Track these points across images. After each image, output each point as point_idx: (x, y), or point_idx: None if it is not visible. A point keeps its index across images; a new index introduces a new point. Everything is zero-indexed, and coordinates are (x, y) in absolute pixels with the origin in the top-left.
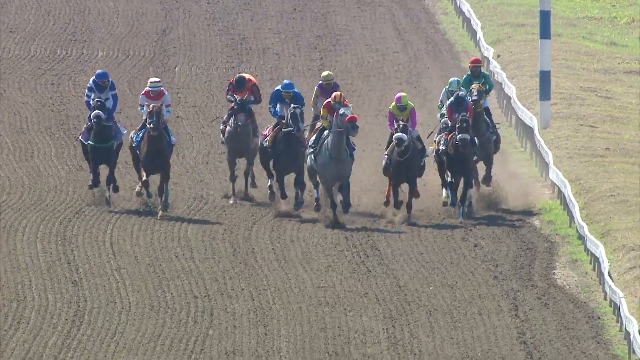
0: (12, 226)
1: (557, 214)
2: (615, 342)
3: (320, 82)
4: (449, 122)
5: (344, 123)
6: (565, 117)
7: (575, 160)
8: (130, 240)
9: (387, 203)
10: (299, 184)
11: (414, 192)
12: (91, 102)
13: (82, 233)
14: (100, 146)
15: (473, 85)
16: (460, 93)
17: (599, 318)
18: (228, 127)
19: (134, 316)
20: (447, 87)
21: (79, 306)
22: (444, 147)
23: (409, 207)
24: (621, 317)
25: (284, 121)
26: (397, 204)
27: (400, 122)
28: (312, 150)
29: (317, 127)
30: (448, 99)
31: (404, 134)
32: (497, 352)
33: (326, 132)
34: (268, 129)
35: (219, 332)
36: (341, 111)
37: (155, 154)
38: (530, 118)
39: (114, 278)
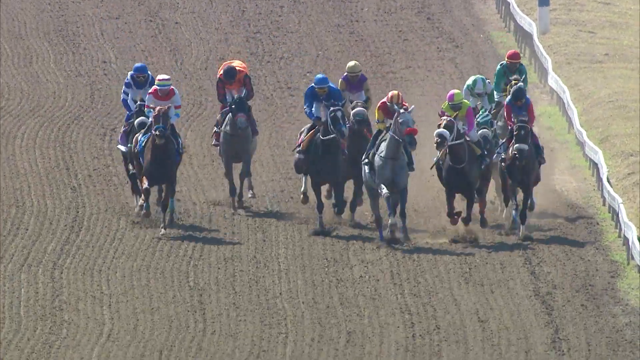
0: (10, 132)
1: (556, 120)
2: (614, 248)
3: (346, 73)
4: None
5: (402, 134)
6: (565, 23)
7: (574, 66)
8: None
9: (453, 221)
10: (339, 204)
11: (471, 207)
12: (128, 101)
13: (81, 139)
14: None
15: (513, 80)
16: (519, 85)
17: (597, 224)
18: (223, 131)
19: (132, 222)
20: (469, 84)
21: (78, 212)
22: (503, 155)
23: (466, 220)
24: (620, 223)
25: (321, 121)
26: (452, 215)
27: (446, 117)
28: (365, 157)
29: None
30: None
31: (446, 131)
32: (494, 257)
33: (382, 135)
34: (301, 135)
35: (217, 245)
36: (401, 119)
37: (161, 163)
38: (529, 24)
39: (112, 183)
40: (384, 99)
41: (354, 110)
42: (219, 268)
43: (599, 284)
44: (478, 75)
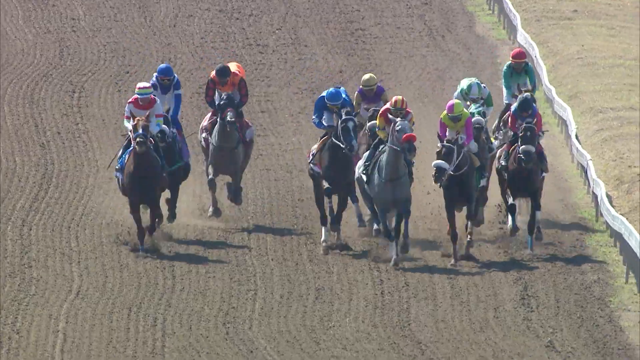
0: None
1: None
2: (583, 206)
3: (361, 87)
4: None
5: (400, 142)
6: None
7: (543, 22)
8: (98, 103)
9: (454, 237)
10: (339, 212)
11: (472, 217)
12: None
13: (50, 96)
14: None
15: (524, 91)
16: (526, 95)
17: (566, 181)
18: (211, 143)
19: (102, 179)
20: (462, 88)
21: (47, 169)
22: (504, 163)
23: (469, 243)
24: (588, 180)
25: (331, 128)
26: (454, 235)
27: (444, 144)
28: (364, 169)
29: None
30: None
31: (444, 162)
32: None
33: (382, 147)
34: (313, 148)
35: (186, 196)
36: (398, 126)
37: (143, 176)
38: None
39: (81, 141)
40: (387, 105)
41: (370, 123)
42: (187, 225)
43: (568, 241)
44: (473, 80)
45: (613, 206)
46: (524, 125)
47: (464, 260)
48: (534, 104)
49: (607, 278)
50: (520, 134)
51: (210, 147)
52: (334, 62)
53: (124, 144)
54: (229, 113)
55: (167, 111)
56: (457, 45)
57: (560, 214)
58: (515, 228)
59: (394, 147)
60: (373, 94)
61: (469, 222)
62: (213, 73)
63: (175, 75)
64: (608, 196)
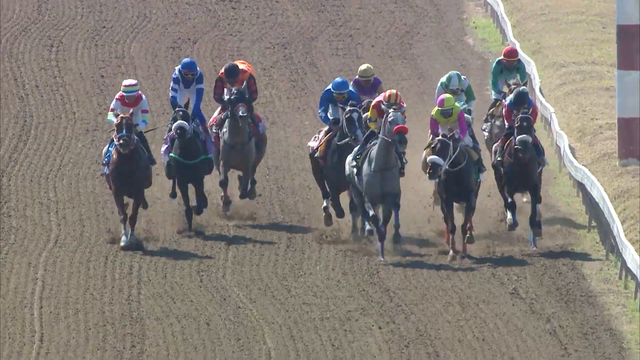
0: None
1: (490, 32)
2: (546, 157)
3: (357, 77)
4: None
5: (391, 133)
6: None
7: None
8: (76, 57)
9: (452, 230)
10: (354, 208)
11: (471, 213)
12: (178, 100)
13: (29, 51)
14: (186, 162)
15: (513, 83)
16: (522, 88)
17: None
18: (222, 139)
19: (79, 131)
20: (443, 80)
21: (26, 121)
22: (499, 158)
23: (469, 239)
24: (552, 132)
25: (337, 126)
26: (452, 228)
27: (438, 138)
28: (354, 162)
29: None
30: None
31: (439, 158)
32: None
33: (372, 140)
34: (317, 137)
35: (158, 148)
36: (390, 117)
37: (127, 175)
38: None
39: (59, 94)
40: (380, 97)
41: (363, 115)
42: (162, 176)
43: None
44: (453, 71)
45: (576, 157)
46: (520, 115)
47: (464, 257)
48: (530, 97)
49: (569, 227)
50: (517, 125)
51: (221, 142)
52: (304, 18)
53: (111, 139)
54: (240, 108)
55: (186, 105)
56: (425, 1)
57: None
58: (515, 224)
59: (386, 138)
60: (370, 85)
61: (467, 217)
62: (222, 71)
63: (199, 69)
64: (571, 148)
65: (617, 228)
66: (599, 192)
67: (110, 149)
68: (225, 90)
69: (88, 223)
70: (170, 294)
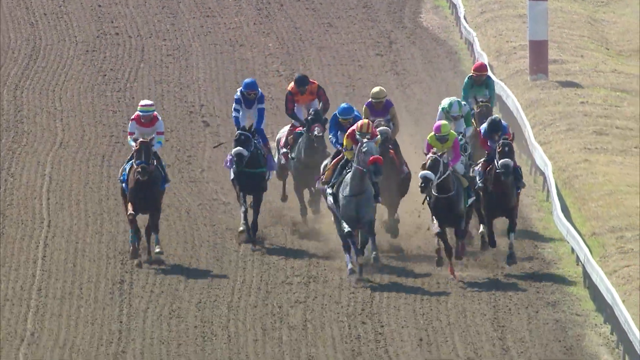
0: None
1: None
2: (469, 72)
3: (370, 100)
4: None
5: (365, 164)
6: None
7: None
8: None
9: (439, 262)
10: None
11: (460, 238)
12: (240, 119)
13: None
14: (250, 172)
15: (480, 103)
16: (495, 117)
17: (456, 53)
18: (296, 158)
19: (80, 52)
20: (444, 106)
21: (35, 44)
22: (481, 184)
23: (453, 253)
24: (474, 52)
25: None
26: (446, 250)
27: (431, 155)
28: (330, 189)
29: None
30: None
31: (430, 172)
32: None
33: (347, 168)
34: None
35: (148, 65)
36: (364, 147)
37: (144, 195)
38: None
39: (63, 21)
40: (354, 127)
41: (377, 130)
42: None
43: None
44: (454, 98)
45: (494, 73)
46: (502, 141)
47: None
48: (503, 124)
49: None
50: (499, 150)
51: (291, 162)
52: None
53: (129, 158)
54: (316, 128)
55: (250, 128)
56: None
57: (450, 79)
58: (493, 243)
59: (360, 167)
60: (381, 107)
61: (458, 241)
62: (292, 84)
63: (260, 90)
64: (490, 65)
65: (528, 132)
66: (513, 102)
67: (126, 167)
68: (296, 106)
69: (88, 129)
70: None
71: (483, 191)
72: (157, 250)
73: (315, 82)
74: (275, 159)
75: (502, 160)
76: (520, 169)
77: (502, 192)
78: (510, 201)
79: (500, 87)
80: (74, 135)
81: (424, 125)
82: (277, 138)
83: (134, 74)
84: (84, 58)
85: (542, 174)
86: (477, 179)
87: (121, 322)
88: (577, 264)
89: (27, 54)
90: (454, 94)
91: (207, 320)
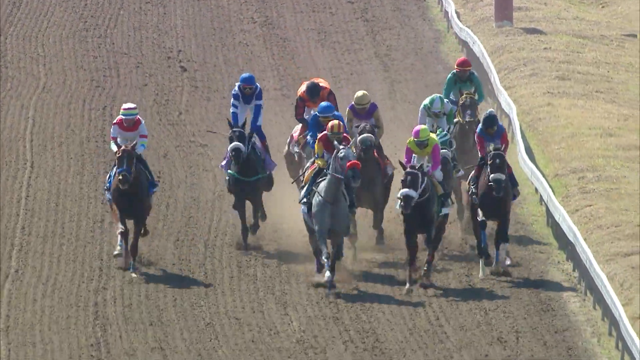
0: None
1: None
2: (437, 19)
3: (352, 103)
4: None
5: (343, 170)
6: None
7: None
8: None
9: (411, 268)
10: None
11: (430, 244)
12: (238, 116)
13: None
14: (243, 179)
15: (465, 94)
16: (490, 111)
17: (424, 0)
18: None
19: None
20: (426, 103)
21: None
22: (474, 190)
23: (427, 262)
24: (442, 1)
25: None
26: (411, 261)
27: (409, 170)
28: (304, 199)
29: (312, 167)
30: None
31: (412, 190)
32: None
33: (320, 177)
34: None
35: (128, 12)
36: (341, 153)
37: (129, 198)
38: None
39: None
40: (325, 131)
41: (360, 137)
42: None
43: (426, 48)
44: (435, 94)
45: (460, 20)
46: (492, 152)
47: (425, 287)
48: (500, 124)
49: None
50: (489, 162)
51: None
52: None
53: (114, 164)
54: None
55: (244, 125)
56: None
57: (419, 26)
58: (485, 248)
59: (337, 175)
60: (365, 113)
61: (428, 248)
62: (303, 90)
63: (257, 84)
64: (457, 13)
65: (494, 77)
66: (479, 48)
67: (111, 174)
68: (306, 109)
69: (69, 73)
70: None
71: (476, 195)
72: (133, 275)
73: (327, 87)
74: (284, 152)
75: (493, 175)
76: (513, 176)
77: (495, 199)
78: (505, 207)
79: (467, 34)
80: (56, 80)
81: (393, 72)
82: (291, 134)
83: (114, 20)
84: (65, 5)
85: (507, 116)
86: (472, 184)
87: (102, 259)
88: (541, 204)
89: (11, 1)
90: (422, 39)
91: (185, 258)
